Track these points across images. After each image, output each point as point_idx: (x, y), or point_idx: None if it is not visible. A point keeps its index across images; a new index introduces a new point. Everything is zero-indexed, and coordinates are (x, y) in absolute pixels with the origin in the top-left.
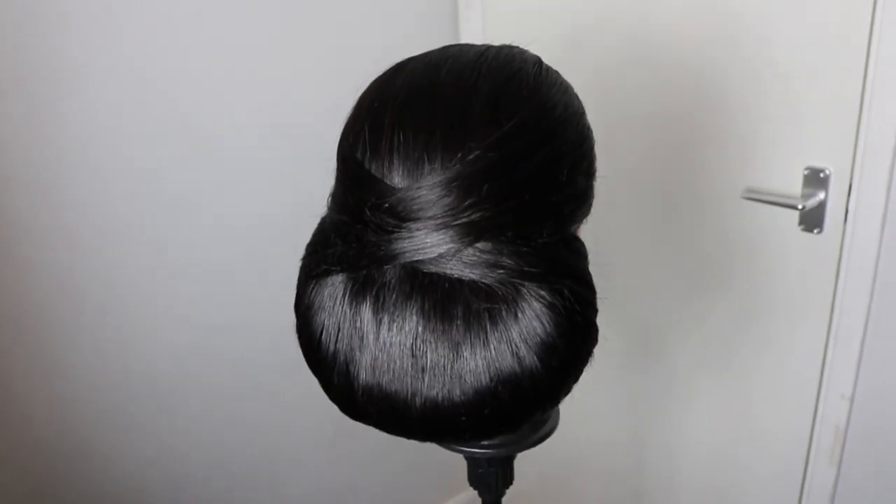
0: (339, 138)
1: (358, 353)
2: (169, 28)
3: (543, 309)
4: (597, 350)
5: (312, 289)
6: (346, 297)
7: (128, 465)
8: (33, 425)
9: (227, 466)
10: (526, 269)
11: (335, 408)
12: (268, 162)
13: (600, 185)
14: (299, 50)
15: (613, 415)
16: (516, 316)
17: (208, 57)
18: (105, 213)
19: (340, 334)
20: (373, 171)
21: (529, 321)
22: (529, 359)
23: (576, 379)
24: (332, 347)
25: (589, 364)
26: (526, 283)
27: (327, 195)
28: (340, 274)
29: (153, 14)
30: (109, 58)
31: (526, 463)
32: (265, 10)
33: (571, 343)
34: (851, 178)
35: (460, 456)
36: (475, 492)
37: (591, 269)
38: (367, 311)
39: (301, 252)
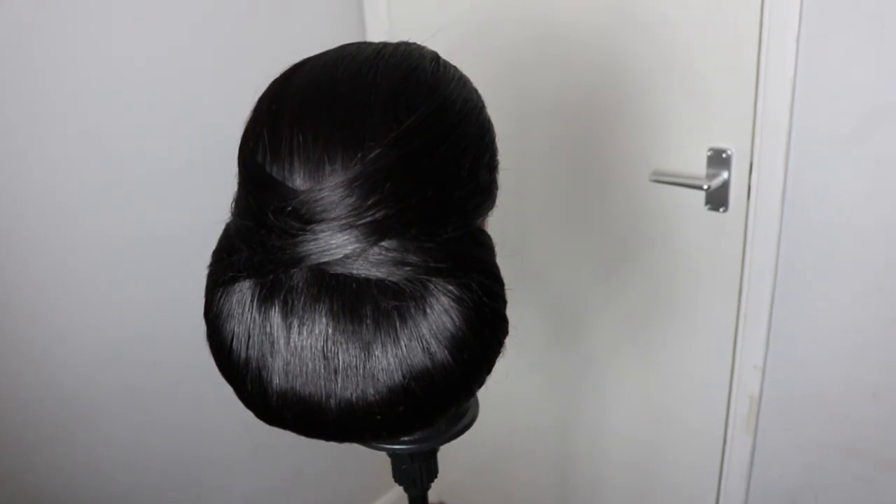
0: (239, 142)
1: (270, 358)
2: (64, 30)
3: (452, 303)
4: (515, 335)
5: (220, 296)
6: (255, 303)
7: (46, 482)
8: None
9: (151, 476)
10: (432, 265)
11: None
12: (170, 167)
13: (511, 175)
14: (197, 51)
15: (535, 399)
16: (425, 312)
17: (104, 60)
18: (9, 222)
19: (251, 341)
20: (274, 174)
21: (438, 316)
22: (440, 354)
23: (488, 371)
24: (243, 354)
25: (501, 355)
26: (433, 279)
27: (231, 200)
28: (247, 280)
29: (46, 16)
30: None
31: (453, 454)
32: (162, 12)
33: (481, 336)
34: (752, 157)
35: (386, 454)
36: (402, 488)
37: (500, 260)
38: (276, 316)
39: (207, 257)
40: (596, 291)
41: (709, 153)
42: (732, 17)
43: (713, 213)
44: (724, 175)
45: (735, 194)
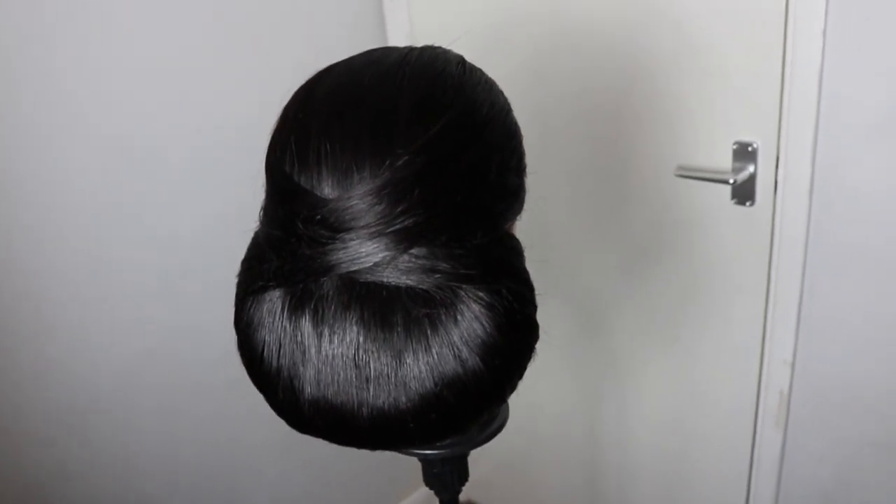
0: (265, 151)
1: (301, 367)
2: (99, 37)
3: (482, 310)
4: (544, 336)
5: (250, 305)
6: (285, 312)
7: (84, 483)
8: None
9: (183, 482)
10: (462, 271)
11: None
12: (197, 174)
13: (535, 176)
14: (219, 55)
15: (562, 395)
16: (456, 319)
17: (138, 69)
18: (42, 227)
19: (282, 350)
20: (302, 183)
21: (469, 323)
22: (472, 360)
23: (520, 376)
24: (274, 363)
25: (532, 360)
26: (464, 286)
27: (259, 208)
28: (277, 289)
29: (85, 25)
30: (41, 68)
31: (480, 451)
32: (190, 21)
33: (513, 341)
34: (778, 151)
35: (417, 459)
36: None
37: (529, 264)
38: (307, 325)
39: (234, 265)
40: (621, 287)
41: (734, 147)
42: (757, 8)
43: (739, 208)
44: (751, 169)
45: (762, 188)
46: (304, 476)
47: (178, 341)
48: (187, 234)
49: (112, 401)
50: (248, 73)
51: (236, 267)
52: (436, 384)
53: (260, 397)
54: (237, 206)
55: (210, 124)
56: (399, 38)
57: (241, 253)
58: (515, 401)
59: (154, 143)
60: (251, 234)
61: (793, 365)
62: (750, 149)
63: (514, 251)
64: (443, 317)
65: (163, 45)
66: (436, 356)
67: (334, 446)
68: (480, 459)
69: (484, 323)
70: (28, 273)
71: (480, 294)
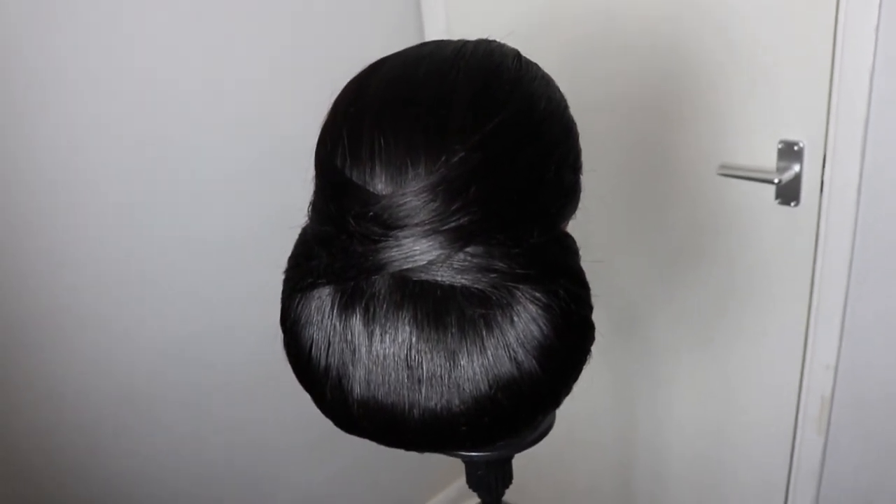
0: (315, 145)
1: (351, 366)
2: (134, 37)
3: (539, 311)
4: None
5: (298, 303)
6: (335, 310)
7: (112, 479)
8: (11, 443)
9: (211, 474)
10: (519, 271)
11: (316, 410)
12: (235, 169)
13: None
14: (260, 54)
15: (598, 394)
16: (512, 320)
17: (176, 66)
18: (75, 225)
19: (331, 348)
20: (354, 178)
21: (526, 325)
22: (528, 363)
23: (576, 378)
24: (323, 362)
25: (587, 362)
26: (520, 286)
27: (306, 205)
28: (327, 286)
29: (117, 22)
30: (73, 67)
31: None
32: (233, 16)
33: (569, 343)
34: (825, 150)
35: (461, 461)
36: (460, 486)
37: (583, 265)
38: (357, 324)
39: (275, 259)
40: (661, 286)
41: (779, 146)
42: (807, 4)
43: (784, 208)
44: (796, 168)
45: (807, 188)
46: (333, 466)
47: (207, 340)
48: (219, 236)
49: (140, 397)
50: (288, 71)
51: (267, 268)
52: (490, 387)
53: (287, 397)
54: (269, 208)
55: (247, 122)
56: (434, 34)
57: (273, 255)
58: None
59: (189, 144)
60: (292, 231)
61: (836, 370)
62: (796, 148)
63: (570, 251)
64: (498, 317)
65: (203, 42)
66: (491, 358)
67: (362, 447)
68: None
69: (541, 324)
70: (58, 268)
71: (537, 295)
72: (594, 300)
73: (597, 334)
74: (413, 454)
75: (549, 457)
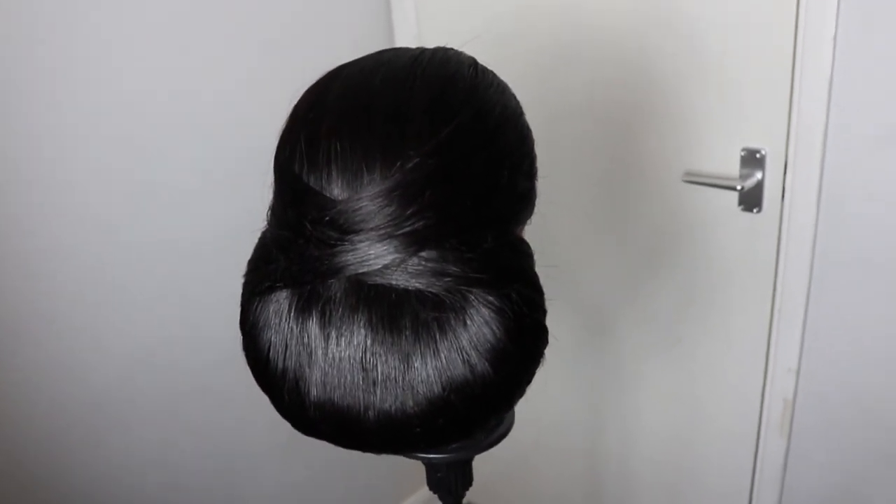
0: (274, 150)
1: (307, 369)
2: (108, 45)
3: (492, 315)
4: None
5: (257, 306)
6: (292, 313)
7: (83, 485)
8: None
9: (184, 478)
10: (472, 275)
11: None
12: (201, 176)
13: (542, 180)
14: (228, 59)
15: (565, 399)
16: (465, 323)
17: (146, 74)
18: (47, 232)
19: (288, 351)
20: (311, 183)
21: (479, 328)
22: (481, 366)
23: (528, 381)
24: (280, 365)
25: (541, 365)
26: (473, 290)
27: (266, 209)
28: (284, 290)
29: (92, 32)
30: (46, 75)
31: (482, 455)
32: (194, 20)
33: (522, 347)
34: (786, 157)
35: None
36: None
37: (538, 269)
38: (314, 327)
39: (244, 265)
40: (627, 292)
41: (742, 153)
42: (767, 13)
43: (747, 214)
44: (758, 175)
45: (769, 195)
46: (306, 468)
47: (178, 345)
48: (189, 239)
49: (111, 402)
50: (256, 76)
51: (237, 272)
52: (444, 389)
53: (259, 400)
54: (240, 211)
55: (216, 127)
56: (406, 40)
57: (243, 258)
58: (517, 406)
59: (158, 146)
60: (257, 236)
61: (798, 373)
62: (758, 155)
63: (524, 255)
64: (452, 321)
65: (172, 46)
66: (444, 360)
67: (334, 450)
68: (481, 460)
69: (493, 327)
70: (30, 274)
71: (490, 298)
72: (560, 305)
73: (562, 340)
74: (382, 455)
75: (517, 462)
